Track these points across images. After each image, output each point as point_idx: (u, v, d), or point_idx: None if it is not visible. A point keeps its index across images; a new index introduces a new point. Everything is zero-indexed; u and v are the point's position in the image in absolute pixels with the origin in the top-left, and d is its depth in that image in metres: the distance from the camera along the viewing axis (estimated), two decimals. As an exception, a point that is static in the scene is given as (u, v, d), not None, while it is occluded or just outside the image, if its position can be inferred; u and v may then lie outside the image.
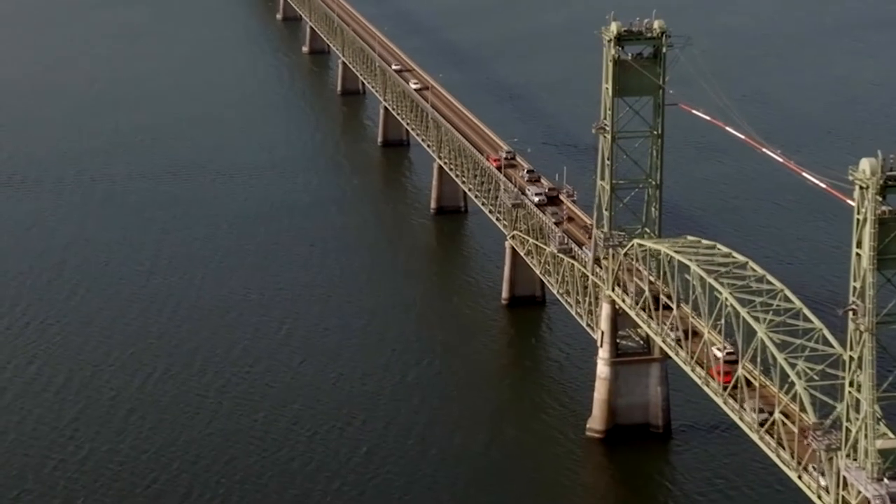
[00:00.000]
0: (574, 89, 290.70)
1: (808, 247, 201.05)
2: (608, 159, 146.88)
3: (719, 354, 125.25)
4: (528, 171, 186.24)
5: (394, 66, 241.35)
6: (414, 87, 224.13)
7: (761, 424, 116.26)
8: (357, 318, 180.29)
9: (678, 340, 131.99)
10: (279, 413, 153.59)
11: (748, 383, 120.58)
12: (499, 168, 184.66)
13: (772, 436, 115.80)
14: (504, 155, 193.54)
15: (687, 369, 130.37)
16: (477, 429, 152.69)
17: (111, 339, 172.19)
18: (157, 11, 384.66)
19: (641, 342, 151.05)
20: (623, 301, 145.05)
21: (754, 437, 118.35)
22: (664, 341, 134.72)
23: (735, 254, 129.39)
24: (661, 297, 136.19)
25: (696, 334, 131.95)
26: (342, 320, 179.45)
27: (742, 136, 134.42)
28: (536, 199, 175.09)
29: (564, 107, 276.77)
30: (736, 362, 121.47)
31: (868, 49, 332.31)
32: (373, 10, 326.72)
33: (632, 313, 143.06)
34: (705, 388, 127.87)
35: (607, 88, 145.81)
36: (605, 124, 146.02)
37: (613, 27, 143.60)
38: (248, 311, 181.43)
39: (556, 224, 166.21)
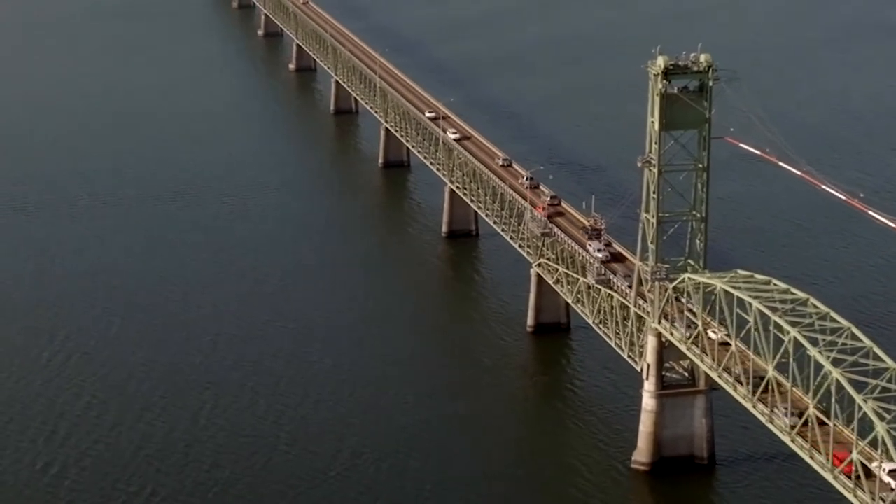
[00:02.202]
0: (568, 106, 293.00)
1: (850, 273, 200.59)
2: (654, 193, 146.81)
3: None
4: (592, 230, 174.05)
5: (427, 114, 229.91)
6: (453, 136, 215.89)
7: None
8: (384, 348, 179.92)
9: (794, 427, 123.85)
10: (336, 448, 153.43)
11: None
12: (548, 217, 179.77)
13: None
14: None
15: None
16: (518, 461, 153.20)
17: (157, 372, 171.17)
18: (129, 28, 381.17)
19: (686, 374, 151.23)
20: (671, 334, 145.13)
21: (828, 476, 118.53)
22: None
23: (794, 290, 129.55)
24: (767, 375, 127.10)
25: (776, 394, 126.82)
26: (370, 349, 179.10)
27: (798, 173, 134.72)
28: (600, 255, 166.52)
29: (564, 126, 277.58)
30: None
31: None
32: (356, 24, 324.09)
33: (683, 348, 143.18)
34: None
35: (653, 122, 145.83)
36: (652, 158, 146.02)
37: (660, 61, 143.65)
38: (282, 342, 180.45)
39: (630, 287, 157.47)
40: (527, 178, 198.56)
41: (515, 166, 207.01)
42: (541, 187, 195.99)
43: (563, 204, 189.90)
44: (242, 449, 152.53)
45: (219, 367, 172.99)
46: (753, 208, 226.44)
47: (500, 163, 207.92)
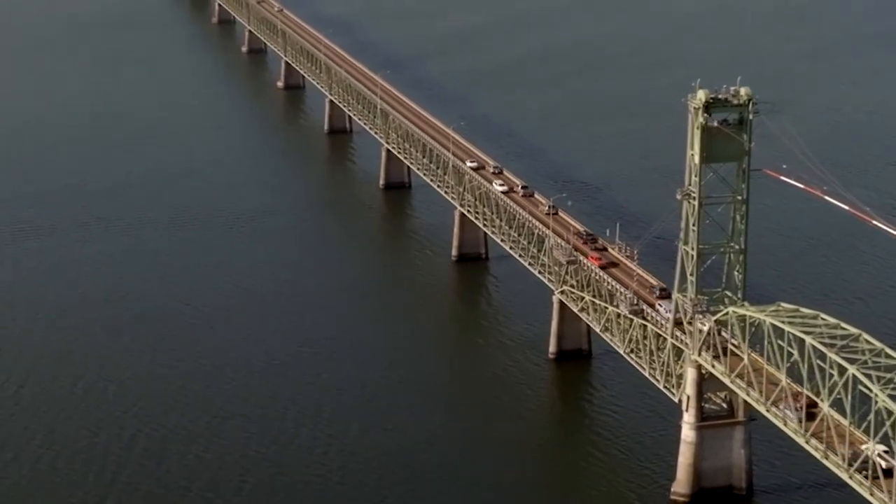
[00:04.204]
0: (570, 123, 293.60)
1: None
2: (693, 225, 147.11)
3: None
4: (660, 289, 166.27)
5: (469, 164, 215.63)
6: (500, 188, 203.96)
7: None
8: (407, 375, 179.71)
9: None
10: (366, 478, 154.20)
11: None
12: (602, 267, 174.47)
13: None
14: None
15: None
16: (552, 492, 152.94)
17: (196, 403, 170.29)
18: (102, 44, 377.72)
19: (724, 405, 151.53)
20: (713, 366, 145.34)
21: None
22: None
23: (844, 324, 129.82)
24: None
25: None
26: (393, 378, 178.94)
27: (846, 207, 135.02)
28: (671, 315, 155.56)
29: (566, 143, 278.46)
30: None
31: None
32: (342, 40, 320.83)
33: (726, 381, 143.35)
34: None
35: (692, 154, 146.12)
36: (692, 190, 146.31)
37: (701, 95, 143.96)
38: (309, 370, 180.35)
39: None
40: (521, 188, 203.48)
41: (507, 174, 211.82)
42: (536, 196, 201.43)
43: (561, 213, 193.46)
44: (288, 482, 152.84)
45: (255, 396, 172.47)
46: (779, 235, 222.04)
47: (492, 170, 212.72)
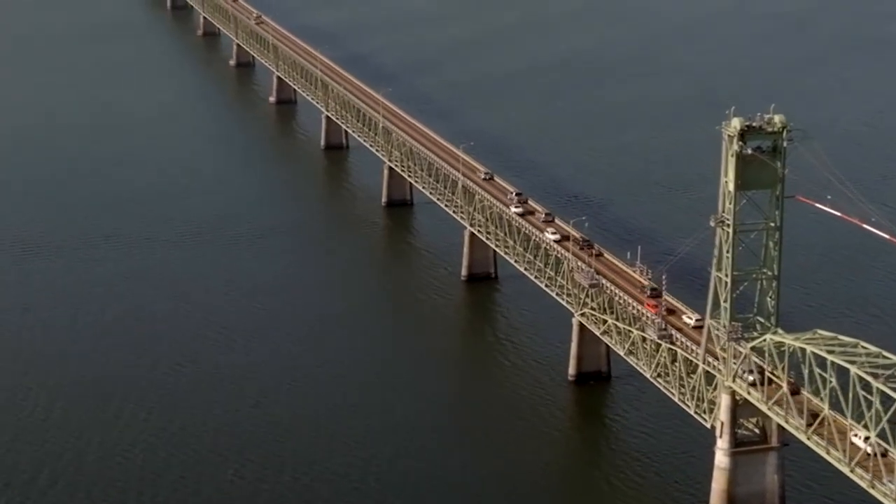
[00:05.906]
0: (566, 136, 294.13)
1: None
2: (727, 252, 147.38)
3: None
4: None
5: (514, 209, 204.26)
6: (552, 237, 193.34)
7: None
8: (425, 399, 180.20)
9: None
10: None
11: None
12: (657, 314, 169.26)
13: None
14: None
15: None
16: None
17: (228, 425, 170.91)
18: (90, 59, 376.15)
19: (756, 430, 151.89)
20: (748, 393, 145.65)
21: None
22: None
23: (886, 353, 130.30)
24: None
25: None
26: (411, 401, 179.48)
27: (886, 236, 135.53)
28: (751, 377, 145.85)
29: (566, 156, 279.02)
30: None
31: None
32: (334, 55, 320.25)
33: (763, 407, 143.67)
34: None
35: (726, 182, 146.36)
36: (726, 217, 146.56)
37: (735, 122, 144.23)
38: (336, 392, 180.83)
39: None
40: (515, 195, 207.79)
41: (499, 180, 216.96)
42: (530, 202, 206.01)
43: (558, 221, 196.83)
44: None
45: (283, 420, 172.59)
46: (804, 256, 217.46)
47: (483, 176, 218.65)
